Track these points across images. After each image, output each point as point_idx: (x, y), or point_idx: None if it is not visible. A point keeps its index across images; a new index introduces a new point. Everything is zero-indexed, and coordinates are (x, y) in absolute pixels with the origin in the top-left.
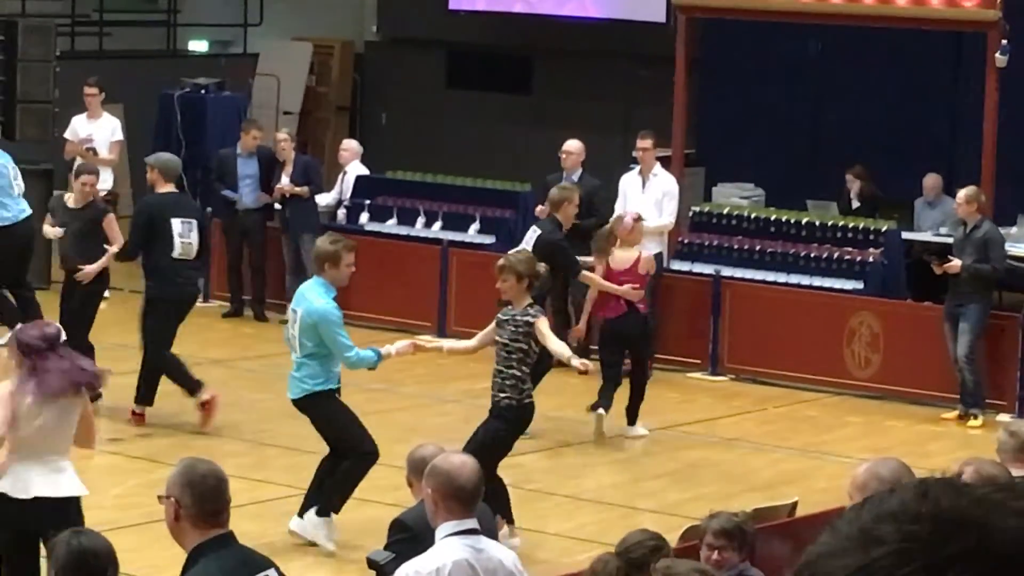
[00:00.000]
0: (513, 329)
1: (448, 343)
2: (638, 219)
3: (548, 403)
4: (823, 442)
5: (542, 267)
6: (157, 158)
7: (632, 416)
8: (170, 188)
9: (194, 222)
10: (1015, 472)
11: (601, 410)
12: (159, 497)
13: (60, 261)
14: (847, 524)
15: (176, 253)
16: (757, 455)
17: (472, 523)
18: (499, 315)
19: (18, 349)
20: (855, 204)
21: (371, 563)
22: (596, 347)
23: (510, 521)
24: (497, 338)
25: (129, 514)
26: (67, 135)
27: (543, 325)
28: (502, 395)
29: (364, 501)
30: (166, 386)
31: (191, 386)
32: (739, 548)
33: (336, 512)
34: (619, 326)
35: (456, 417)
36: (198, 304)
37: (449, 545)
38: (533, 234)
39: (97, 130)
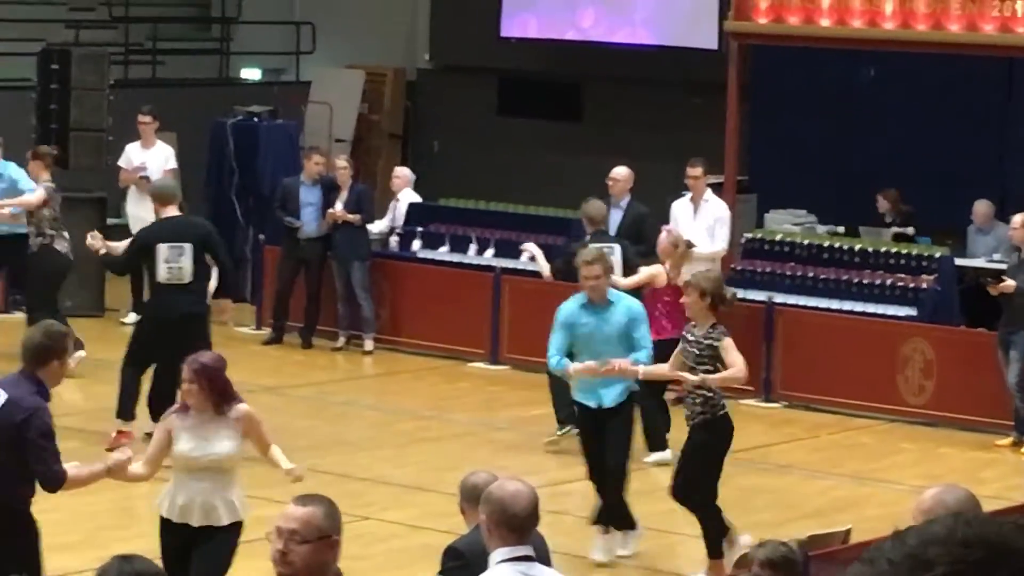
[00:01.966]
0: (698, 352)
1: (644, 368)
2: (675, 238)
3: None
4: (876, 469)
5: (732, 292)
6: (152, 185)
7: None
8: (171, 212)
9: (186, 246)
10: None
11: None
12: (303, 543)
13: None
14: (891, 551)
15: (161, 278)
16: (810, 482)
17: (526, 550)
18: (683, 333)
19: None
20: (888, 221)
21: None
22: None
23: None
24: (683, 359)
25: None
26: (121, 163)
27: (729, 345)
28: (698, 415)
29: (417, 528)
30: None
31: (125, 412)
32: None
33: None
34: None
35: (506, 444)
36: (248, 331)
37: (500, 572)
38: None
39: (151, 158)
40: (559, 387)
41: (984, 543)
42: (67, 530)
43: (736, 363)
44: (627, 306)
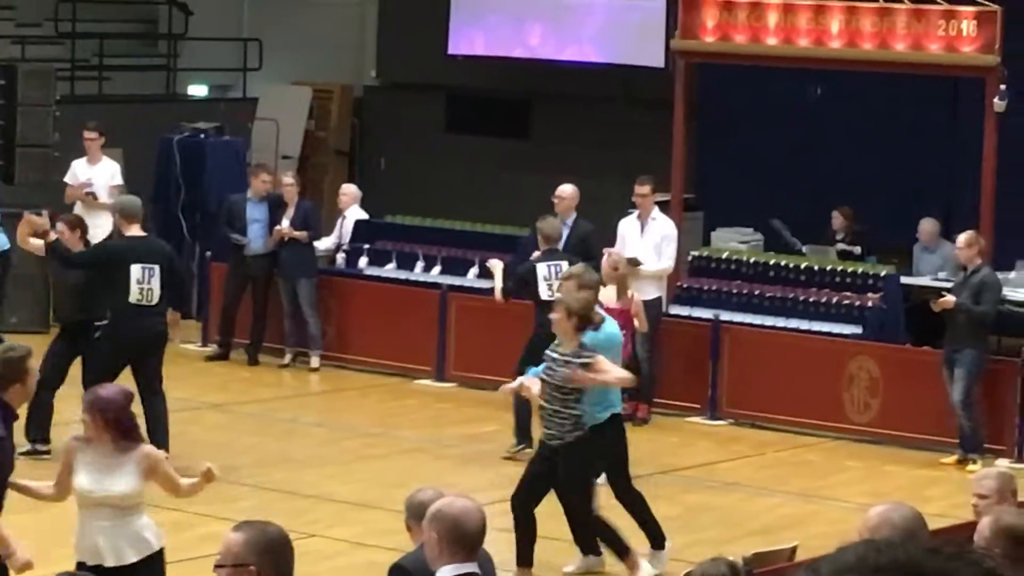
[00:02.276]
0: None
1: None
2: (614, 261)
3: None
4: (822, 487)
5: (600, 316)
6: (119, 201)
7: None
8: (135, 230)
9: (156, 267)
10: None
11: None
12: (217, 567)
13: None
14: None
15: (133, 299)
16: (756, 499)
17: (472, 567)
18: (548, 352)
19: None
20: (838, 238)
21: None
22: None
23: (625, 551)
24: (546, 377)
25: None
26: (67, 179)
27: (603, 360)
28: (567, 436)
29: (362, 545)
30: (172, 428)
31: (42, 433)
32: None
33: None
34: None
35: (454, 461)
36: (193, 348)
37: None
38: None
39: (97, 174)
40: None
41: (897, 569)
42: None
43: (619, 373)
44: (606, 332)
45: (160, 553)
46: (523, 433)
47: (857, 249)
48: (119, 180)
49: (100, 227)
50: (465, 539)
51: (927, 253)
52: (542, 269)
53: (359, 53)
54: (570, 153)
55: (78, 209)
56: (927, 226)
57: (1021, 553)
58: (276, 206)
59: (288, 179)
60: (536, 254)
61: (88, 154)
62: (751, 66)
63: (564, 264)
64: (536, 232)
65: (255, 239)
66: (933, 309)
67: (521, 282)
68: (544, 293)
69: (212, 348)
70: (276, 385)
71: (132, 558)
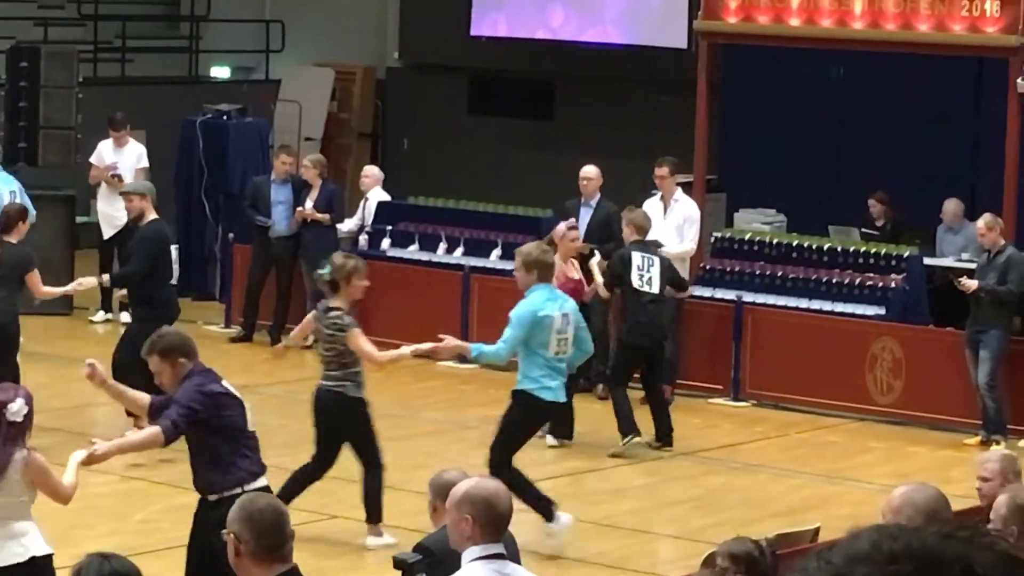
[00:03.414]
0: (327, 329)
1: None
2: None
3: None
4: (845, 468)
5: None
6: (145, 186)
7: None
8: (155, 213)
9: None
10: None
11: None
12: (221, 532)
13: None
14: (817, 571)
15: (174, 280)
16: (779, 481)
17: (499, 548)
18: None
19: None
20: (879, 224)
21: (398, 563)
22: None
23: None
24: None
25: (152, 539)
26: (92, 160)
27: (357, 334)
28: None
29: (385, 526)
30: None
31: None
32: (746, 573)
33: None
34: None
35: (476, 443)
36: (216, 329)
37: (475, 570)
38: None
39: (123, 157)
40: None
41: (911, 556)
42: None
43: (364, 350)
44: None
45: (34, 560)
46: (628, 424)
47: (893, 233)
48: (145, 163)
49: (123, 210)
50: (499, 520)
51: (951, 234)
52: (636, 259)
53: (382, 34)
54: (593, 134)
55: (103, 190)
56: (951, 207)
57: None
58: (300, 188)
59: (305, 162)
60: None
61: (114, 138)
62: (774, 47)
63: (656, 259)
64: (564, 213)
65: (279, 221)
66: (958, 288)
67: (615, 275)
68: (636, 282)
69: (235, 330)
70: (299, 367)
71: (9, 560)
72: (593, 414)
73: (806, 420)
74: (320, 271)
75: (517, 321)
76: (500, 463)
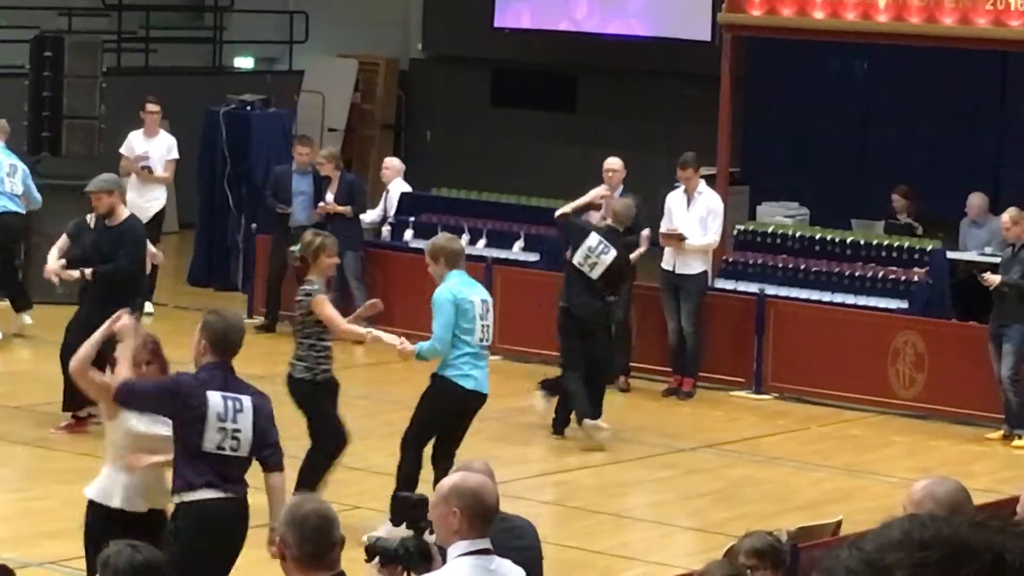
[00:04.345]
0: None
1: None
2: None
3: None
4: (867, 461)
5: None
6: (112, 181)
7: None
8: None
9: None
10: None
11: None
12: (271, 529)
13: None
14: (849, 559)
15: (148, 270)
16: (801, 474)
17: (486, 543)
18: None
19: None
20: (902, 221)
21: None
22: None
23: None
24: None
25: None
26: (123, 151)
27: (322, 300)
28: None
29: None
30: None
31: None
32: (772, 567)
33: None
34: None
35: (496, 434)
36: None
37: (462, 566)
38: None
39: (153, 148)
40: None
41: (942, 544)
42: (57, 518)
43: (327, 315)
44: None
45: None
46: (583, 407)
47: (918, 228)
48: (175, 154)
49: (156, 199)
50: (487, 513)
51: (975, 228)
52: (592, 240)
53: (405, 26)
54: (616, 127)
55: (132, 181)
56: (976, 200)
57: None
58: (321, 179)
59: (319, 158)
60: (598, 221)
61: (146, 126)
62: (798, 40)
63: (613, 251)
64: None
65: (299, 211)
66: (981, 283)
67: (570, 236)
68: (578, 258)
69: (258, 320)
70: None
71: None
72: (614, 406)
73: (828, 413)
74: (292, 248)
75: (438, 305)
76: (408, 444)
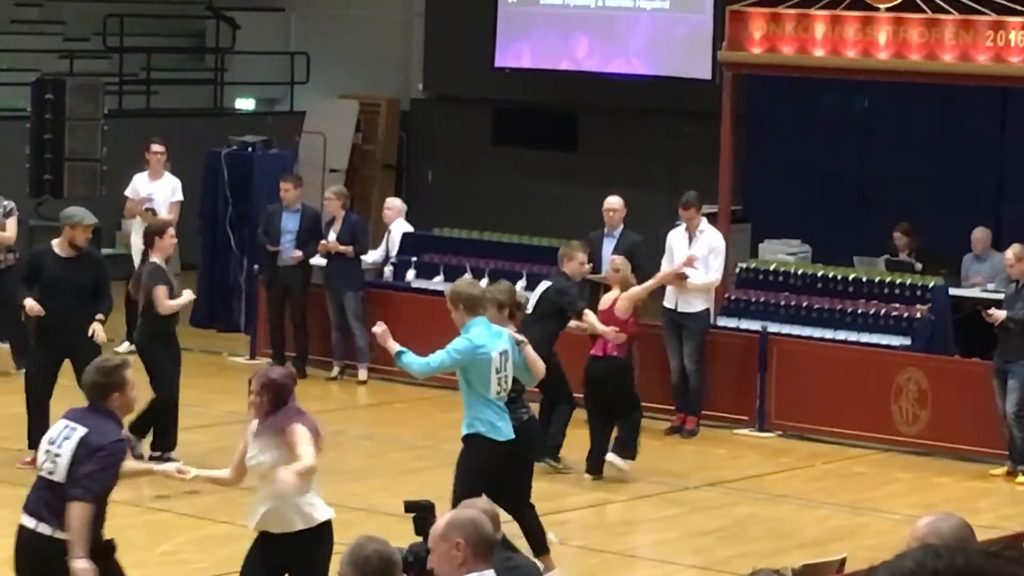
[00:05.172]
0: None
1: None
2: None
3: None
4: (871, 499)
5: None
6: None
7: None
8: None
9: None
10: None
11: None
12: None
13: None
14: None
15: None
16: (805, 511)
17: (491, 573)
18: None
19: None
20: (901, 258)
21: (410, 507)
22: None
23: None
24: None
25: (176, 570)
26: (128, 193)
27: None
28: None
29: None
30: (218, 442)
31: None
32: None
33: None
34: (591, 368)
35: None
36: (242, 361)
37: None
38: (542, 286)
39: (158, 190)
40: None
41: (956, 573)
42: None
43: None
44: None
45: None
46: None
47: (918, 265)
48: (180, 196)
49: None
50: (489, 540)
51: (977, 262)
52: (541, 287)
53: (406, 66)
54: (617, 165)
55: (136, 224)
56: (979, 235)
57: None
58: (311, 218)
59: (328, 194)
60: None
61: (150, 169)
62: (799, 77)
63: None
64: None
65: (286, 250)
66: (986, 319)
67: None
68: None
69: (262, 361)
70: (324, 398)
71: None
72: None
73: (832, 451)
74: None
75: (452, 349)
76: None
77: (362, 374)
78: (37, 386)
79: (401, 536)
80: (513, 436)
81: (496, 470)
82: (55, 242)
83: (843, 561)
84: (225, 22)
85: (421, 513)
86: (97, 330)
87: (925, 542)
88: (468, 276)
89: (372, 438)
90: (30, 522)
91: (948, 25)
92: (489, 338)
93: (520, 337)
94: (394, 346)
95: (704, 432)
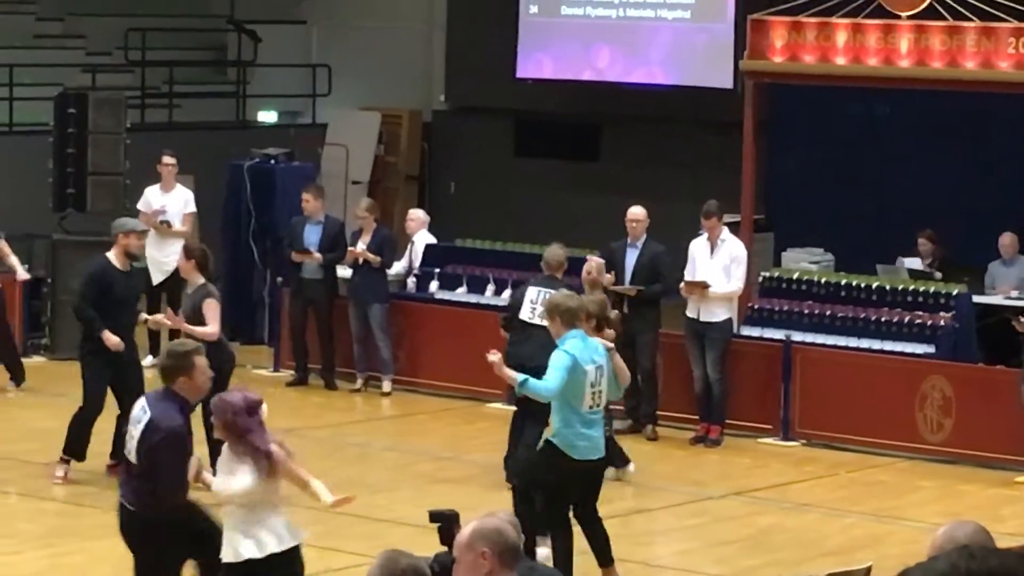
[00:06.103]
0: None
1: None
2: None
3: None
4: (896, 507)
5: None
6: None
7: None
8: None
9: None
10: None
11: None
12: None
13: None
14: None
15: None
16: (830, 520)
17: None
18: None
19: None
20: (927, 263)
21: (435, 517)
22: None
23: None
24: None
25: None
26: (140, 206)
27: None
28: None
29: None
30: None
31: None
32: None
33: None
34: None
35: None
36: (265, 373)
37: None
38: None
39: (170, 202)
40: None
41: (989, 574)
42: (86, 573)
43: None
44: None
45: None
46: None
47: (938, 274)
48: (192, 207)
49: (175, 254)
50: (514, 548)
51: (1004, 267)
52: (531, 293)
53: (427, 78)
54: (639, 175)
55: (151, 236)
56: (1006, 240)
57: None
58: (331, 231)
59: (359, 212)
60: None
61: (162, 181)
62: (820, 86)
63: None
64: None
65: (307, 262)
66: (1017, 328)
67: (510, 312)
68: (526, 314)
69: (285, 374)
70: (348, 410)
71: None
72: (642, 455)
73: (856, 459)
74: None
75: (555, 364)
76: (556, 528)
77: (386, 386)
78: (99, 403)
79: (426, 546)
80: (589, 457)
81: (572, 484)
82: (111, 255)
83: (868, 570)
84: (246, 35)
85: (446, 523)
86: (160, 319)
87: (943, 551)
88: (564, 290)
89: (396, 449)
90: (120, 495)
91: (970, 32)
92: (587, 351)
93: (609, 344)
94: (515, 376)
95: (728, 441)
